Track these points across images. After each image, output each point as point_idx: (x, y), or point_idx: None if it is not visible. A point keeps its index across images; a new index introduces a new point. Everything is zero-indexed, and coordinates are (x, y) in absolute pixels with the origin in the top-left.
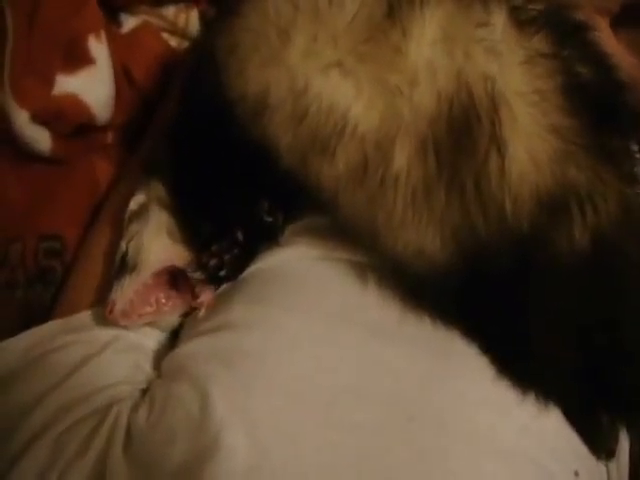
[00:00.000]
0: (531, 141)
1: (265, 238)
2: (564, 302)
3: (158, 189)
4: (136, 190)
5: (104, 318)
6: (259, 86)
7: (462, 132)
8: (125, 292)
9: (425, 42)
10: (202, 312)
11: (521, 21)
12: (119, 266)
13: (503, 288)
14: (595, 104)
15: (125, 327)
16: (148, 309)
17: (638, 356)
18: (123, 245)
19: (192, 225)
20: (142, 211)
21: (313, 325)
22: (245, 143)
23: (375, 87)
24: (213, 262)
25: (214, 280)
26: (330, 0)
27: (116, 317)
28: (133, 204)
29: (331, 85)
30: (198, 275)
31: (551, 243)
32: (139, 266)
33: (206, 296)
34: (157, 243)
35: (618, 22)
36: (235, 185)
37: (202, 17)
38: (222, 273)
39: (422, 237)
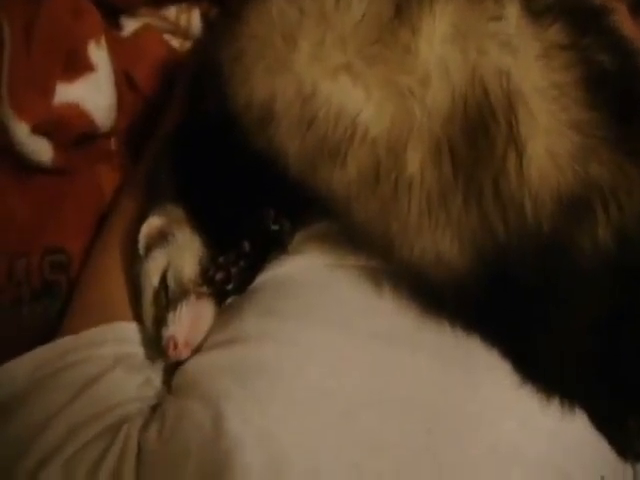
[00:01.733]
0: (550, 138)
1: (272, 247)
2: (589, 303)
3: (177, 212)
4: (148, 213)
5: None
6: (265, 94)
7: (478, 132)
8: (183, 323)
9: (436, 39)
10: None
11: (535, 12)
12: (162, 299)
13: (525, 292)
14: (617, 94)
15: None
16: (205, 329)
17: None
18: (155, 279)
19: (212, 238)
20: (163, 236)
21: (328, 335)
22: (252, 153)
23: (385, 89)
24: (220, 276)
25: (221, 294)
26: (336, 2)
27: (181, 351)
28: (148, 228)
29: (340, 89)
30: (205, 290)
31: (574, 244)
32: (187, 293)
33: (178, 329)
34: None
35: (637, 7)
36: (240, 194)
37: (204, 17)
38: (229, 287)
39: (439, 243)
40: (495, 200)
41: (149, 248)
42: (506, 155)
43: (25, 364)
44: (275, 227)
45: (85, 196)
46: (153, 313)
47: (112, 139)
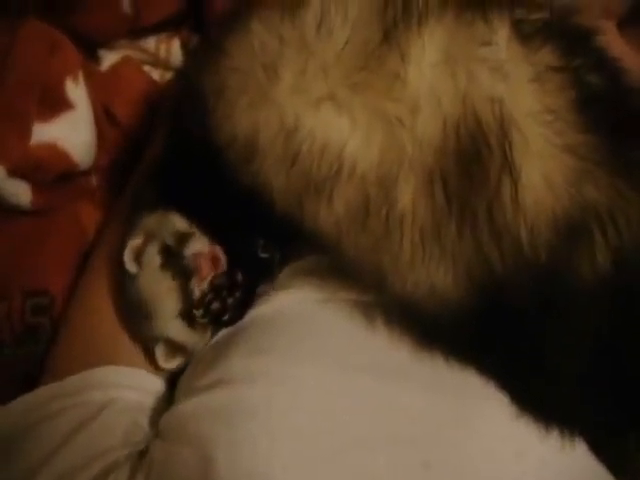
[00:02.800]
0: (545, 163)
1: (261, 275)
2: (588, 327)
3: (151, 219)
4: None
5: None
6: (248, 129)
7: (471, 161)
8: (205, 241)
9: (425, 65)
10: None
11: (525, 34)
12: (171, 264)
13: (522, 321)
14: (608, 115)
15: None
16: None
17: None
18: (156, 259)
19: None
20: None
21: (318, 372)
22: (236, 186)
23: (372, 119)
24: (216, 306)
25: (216, 324)
26: (318, 29)
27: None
28: (131, 248)
29: (323, 121)
30: (200, 318)
31: (572, 270)
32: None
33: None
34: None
35: (626, 22)
36: (227, 224)
37: (184, 47)
38: (225, 318)
39: (433, 275)
40: (490, 229)
41: (138, 257)
42: (500, 183)
43: (8, 413)
44: (264, 255)
45: (66, 235)
46: (169, 276)
47: (93, 176)
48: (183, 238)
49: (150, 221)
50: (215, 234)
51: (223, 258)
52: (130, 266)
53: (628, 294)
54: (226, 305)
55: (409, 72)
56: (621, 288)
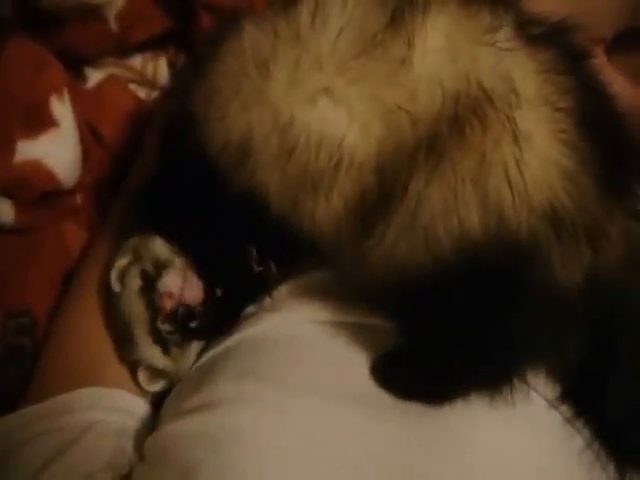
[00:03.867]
0: (546, 150)
1: (257, 290)
2: (550, 326)
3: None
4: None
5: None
6: (242, 130)
7: (468, 119)
8: (177, 276)
9: (428, 50)
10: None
11: (529, 36)
12: (147, 290)
13: (484, 300)
14: (602, 136)
15: None
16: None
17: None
18: (135, 282)
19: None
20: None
21: (307, 399)
22: (231, 195)
23: (370, 109)
24: (182, 310)
25: (185, 332)
26: (312, 20)
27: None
28: (117, 268)
29: (320, 115)
30: (167, 327)
31: (548, 266)
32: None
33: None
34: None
35: (614, 48)
36: (219, 239)
37: (171, 64)
38: (193, 324)
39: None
40: (475, 189)
41: (122, 278)
42: (499, 143)
43: None
44: (259, 269)
45: (50, 255)
46: (143, 304)
47: (78, 194)
48: (161, 267)
49: (137, 241)
50: (202, 254)
51: (197, 290)
52: (115, 285)
53: (597, 318)
54: (193, 311)
55: (414, 57)
56: (591, 309)
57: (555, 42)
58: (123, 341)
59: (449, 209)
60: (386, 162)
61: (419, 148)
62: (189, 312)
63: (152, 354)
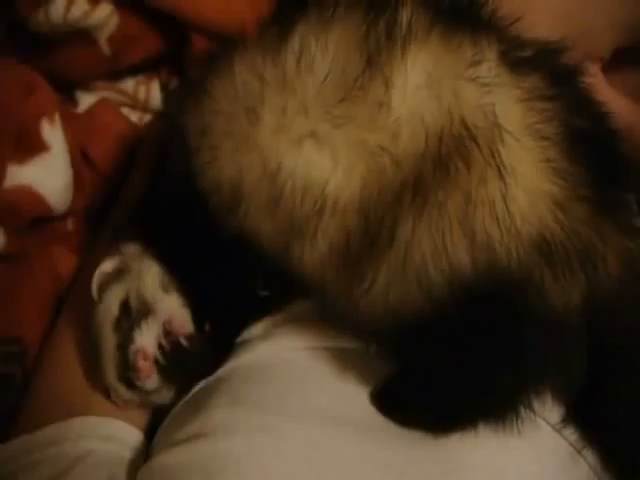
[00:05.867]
0: (535, 180)
1: (255, 316)
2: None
3: (131, 248)
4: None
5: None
6: (233, 175)
7: (452, 157)
8: (152, 334)
9: (409, 89)
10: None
11: (513, 62)
12: (124, 324)
13: (479, 334)
14: (594, 155)
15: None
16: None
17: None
18: (114, 308)
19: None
20: (118, 273)
21: (301, 426)
22: (225, 234)
23: (354, 152)
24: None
25: (165, 363)
26: (298, 65)
27: (150, 367)
28: (100, 272)
29: (304, 160)
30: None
31: (542, 296)
32: (152, 309)
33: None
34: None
35: (611, 66)
36: (219, 268)
37: (163, 88)
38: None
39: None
40: (462, 228)
41: (103, 288)
42: (484, 180)
43: None
44: (264, 293)
45: (41, 280)
46: (115, 342)
47: (69, 219)
48: (143, 311)
49: (134, 252)
50: (200, 280)
51: (186, 326)
52: (94, 291)
53: (595, 341)
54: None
55: (392, 99)
56: (590, 331)
57: (542, 64)
58: (94, 361)
59: (439, 251)
60: (370, 204)
61: (404, 189)
62: (174, 356)
63: (117, 387)
